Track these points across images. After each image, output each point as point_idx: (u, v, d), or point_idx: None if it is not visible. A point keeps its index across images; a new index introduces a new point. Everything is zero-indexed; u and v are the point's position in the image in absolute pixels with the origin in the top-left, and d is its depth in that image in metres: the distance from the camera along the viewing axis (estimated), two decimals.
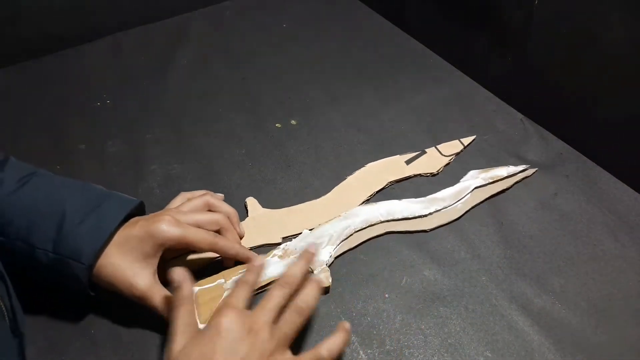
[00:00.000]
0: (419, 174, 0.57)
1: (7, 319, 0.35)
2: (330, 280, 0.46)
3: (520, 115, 0.66)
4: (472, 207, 0.54)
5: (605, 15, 0.54)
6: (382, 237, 0.51)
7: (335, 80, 0.72)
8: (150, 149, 0.61)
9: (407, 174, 0.57)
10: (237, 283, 0.38)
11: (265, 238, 0.50)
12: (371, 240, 0.51)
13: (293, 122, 0.65)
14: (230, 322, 0.35)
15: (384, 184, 0.56)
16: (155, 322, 0.44)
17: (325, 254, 0.48)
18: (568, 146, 0.62)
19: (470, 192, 0.54)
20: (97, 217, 0.40)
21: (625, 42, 0.53)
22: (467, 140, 0.61)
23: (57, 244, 0.39)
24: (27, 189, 0.41)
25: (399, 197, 0.54)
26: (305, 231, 0.50)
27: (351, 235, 0.50)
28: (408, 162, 0.58)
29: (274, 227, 0.51)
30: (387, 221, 0.51)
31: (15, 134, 0.62)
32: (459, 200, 0.53)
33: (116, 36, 0.78)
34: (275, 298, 0.37)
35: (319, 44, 0.79)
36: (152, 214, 0.43)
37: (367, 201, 0.54)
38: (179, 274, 0.38)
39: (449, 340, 0.43)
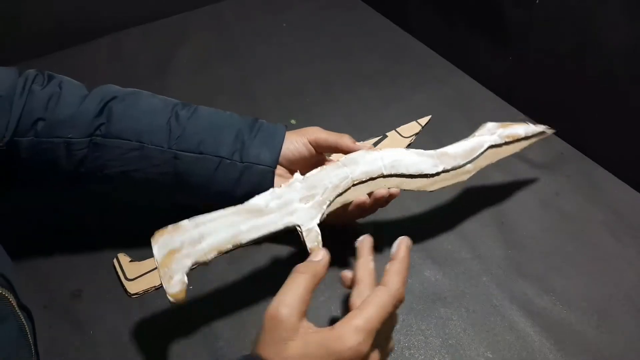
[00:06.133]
0: None
1: (34, 355, 0.35)
2: (321, 246, 0.39)
3: (521, 115, 0.66)
4: (482, 169, 0.49)
5: (605, 14, 0.54)
6: (380, 233, 0.51)
7: (335, 79, 0.72)
8: None
9: None
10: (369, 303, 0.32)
11: None
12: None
13: (293, 122, 0.65)
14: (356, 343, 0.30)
15: None
16: (155, 322, 0.44)
17: (318, 211, 0.41)
18: (569, 146, 0.62)
19: (484, 151, 0.48)
20: (266, 131, 0.46)
21: (625, 41, 0.53)
22: (423, 121, 0.64)
23: (242, 155, 0.44)
24: (201, 113, 0.46)
25: None
26: (297, 175, 0.42)
27: (349, 188, 0.43)
28: None
29: None
30: (390, 175, 0.45)
31: None
32: (470, 161, 0.47)
33: (116, 36, 0.78)
34: (389, 316, 0.32)
35: (319, 44, 0.78)
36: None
37: None
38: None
39: (449, 341, 0.43)
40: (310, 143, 0.46)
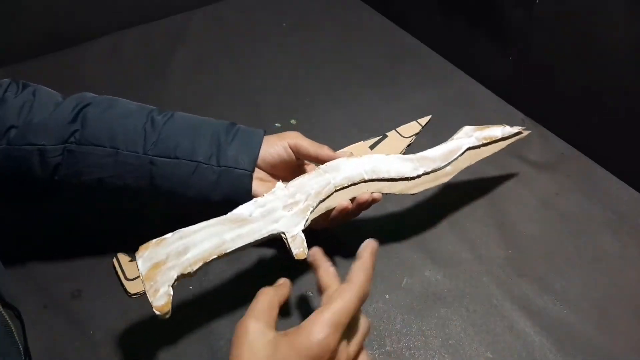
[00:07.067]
0: None
1: (23, 355, 0.35)
2: (307, 252, 0.39)
3: (521, 115, 0.66)
4: (461, 170, 0.49)
5: (606, 14, 0.54)
6: (379, 236, 0.51)
7: (335, 79, 0.72)
8: None
9: None
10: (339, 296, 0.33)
11: None
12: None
13: (293, 121, 0.65)
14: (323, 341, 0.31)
15: None
16: (155, 322, 0.44)
17: (301, 218, 0.41)
18: (569, 146, 0.62)
19: (463, 153, 0.49)
20: (243, 134, 0.46)
21: (626, 41, 0.53)
22: (424, 121, 0.64)
23: (219, 159, 0.44)
24: (177, 119, 0.45)
25: None
26: (279, 183, 0.43)
27: (331, 194, 0.43)
28: (372, 146, 0.60)
29: None
30: (372, 180, 0.45)
31: None
32: (449, 163, 0.48)
33: (116, 36, 0.78)
34: (354, 310, 0.33)
35: (319, 43, 0.78)
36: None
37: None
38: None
39: (449, 341, 0.43)
40: (290, 148, 0.46)
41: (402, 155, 0.47)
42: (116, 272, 0.47)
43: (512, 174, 0.58)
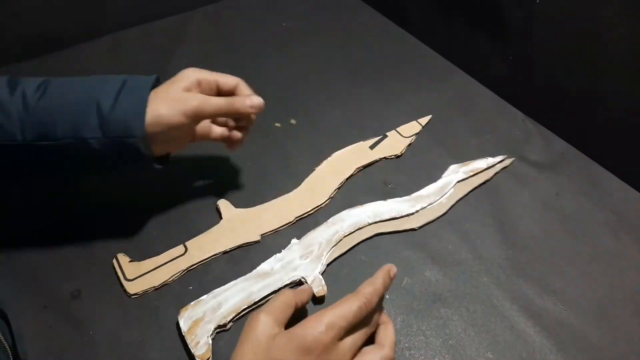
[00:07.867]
0: (384, 157, 0.59)
1: (11, 358, 0.35)
2: (326, 289, 0.45)
3: (521, 115, 0.66)
4: (457, 201, 0.54)
5: (606, 14, 0.54)
6: (382, 238, 0.51)
7: (335, 79, 0.72)
8: None
9: (372, 159, 0.59)
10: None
11: (243, 238, 0.50)
12: (371, 242, 0.50)
13: (293, 121, 0.65)
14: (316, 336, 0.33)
15: (353, 171, 0.57)
16: (155, 322, 0.44)
17: (317, 263, 0.47)
18: (570, 146, 0.62)
19: (453, 186, 0.55)
20: (129, 94, 0.42)
21: (626, 41, 0.53)
22: (424, 121, 0.64)
23: (105, 129, 0.41)
24: (52, 92, 0.42)
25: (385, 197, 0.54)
26: (294, 240, 0.49)
27: (340, 240, 0.49)
28: (372, 146, 0.60)
29: (251, 225, 0.51)
30: (375, 222, 0.51)
31: None
32: (443, 196, 0.54)
33: (116, 36, 0.78)
34: (354, 317, 0.34)
35: (319, 43, 0.78)
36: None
37: (338, 189, 0.55)
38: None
39: (450, 341, 0.43)
40: (192, 116, 0.43)
41: (399, 198, 0.53)
42: (115, 273, 0.47)
43: (512, 174, 0.58)
